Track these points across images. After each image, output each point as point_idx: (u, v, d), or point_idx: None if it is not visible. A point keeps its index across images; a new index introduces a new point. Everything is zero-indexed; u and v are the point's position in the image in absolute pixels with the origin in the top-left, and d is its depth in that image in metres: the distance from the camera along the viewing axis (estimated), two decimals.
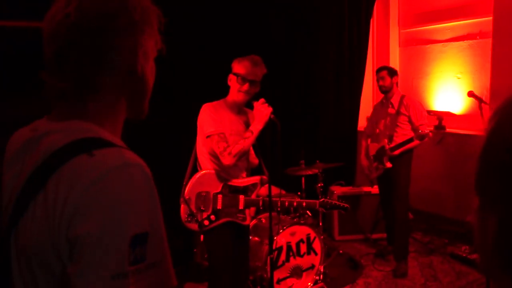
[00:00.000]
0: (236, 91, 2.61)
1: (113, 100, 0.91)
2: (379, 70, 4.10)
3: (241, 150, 2.51)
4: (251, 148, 2.84)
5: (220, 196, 2.64)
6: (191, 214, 2.57)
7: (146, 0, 0.92)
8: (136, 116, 0.97)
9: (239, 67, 2.61)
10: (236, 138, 2.60)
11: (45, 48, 0.87)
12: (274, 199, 2.83)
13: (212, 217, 2.63)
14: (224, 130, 2.57)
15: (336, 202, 3.08)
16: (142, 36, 0.89)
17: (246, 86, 2.58)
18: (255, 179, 2.77)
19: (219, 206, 2.64)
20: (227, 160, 2.50)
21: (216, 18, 4.41)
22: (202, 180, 2.63)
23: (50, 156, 0.80)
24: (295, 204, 2.95)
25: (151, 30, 0.92)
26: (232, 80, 2.63)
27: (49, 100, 0.89)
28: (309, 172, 3.98)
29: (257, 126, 2.55)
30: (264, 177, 2.77)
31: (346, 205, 3.08)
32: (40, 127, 0.89)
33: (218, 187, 2.65)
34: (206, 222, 2.61)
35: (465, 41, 5.02)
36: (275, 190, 2.86)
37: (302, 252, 3.56)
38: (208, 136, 2.56)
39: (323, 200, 3.03)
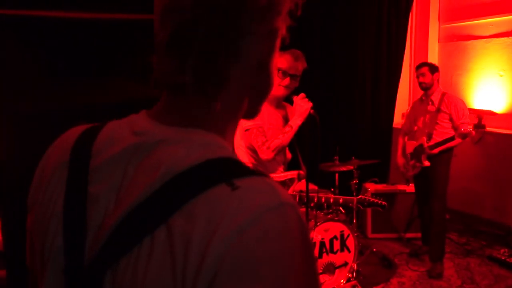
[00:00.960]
0: (277, 85, 2.59)
1: (239, 98, 0.71)
2: (419, 66, 3.99)
3: (280, 144, 2.50)
4: None
5: None
6: None
7: None
8: (247, 116, 0.77)
9: (280, 61, 2.59)
10: (275, 132, 2.59)
11: (159, 27, 0.67)
12: (311, 194, 2.81)
13: None
14: (263, 124, 2.56)
15: (373, 199, 3.04)
16: (279, 19, 0.69)
17: (287, 81, 2.57)
18: (293, 173, 2.75)
19: None
20: (266, 155, 2.49)
21: None
22: None
23: (176, 180, 0.60)
24: (331, 200, 2.93)
25: (285, 13, 0.71)
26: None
27: (159, 90, 0.70)
28: (343, 169, 3.93)
29: (296, 120, 2.53)
30: (302, 172, 2.75)
31: (383, 202, 3.05)
32: (147, 130, 0.68)
33: None
34: None
35: (509, 37, 4.84)
36: (310, 186, 2.84)
37: (335, 249, 3.52)
38: (246, 130, 2.56)
39: (361, 197, 3.00)
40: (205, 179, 0.60)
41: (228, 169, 0.62)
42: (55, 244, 0.66)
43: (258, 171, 0.63)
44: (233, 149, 0.73)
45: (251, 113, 0.78)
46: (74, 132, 0.75)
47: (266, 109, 2.64)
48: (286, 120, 2.71)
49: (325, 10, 4.97)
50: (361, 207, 3.08)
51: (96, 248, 0.62)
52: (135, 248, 0.58)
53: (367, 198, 3.02)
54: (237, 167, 0.63)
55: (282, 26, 0.71)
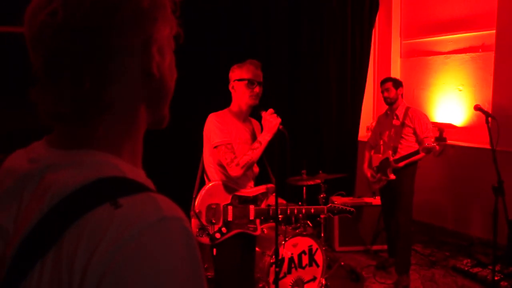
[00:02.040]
0: (247, 96, 2.55)
1: (129, 115, 0.70)
2: (384, 82, 4.07)
3: (249, 161, 2.47)
4: None
5: (230, 208, 2.59)
6: (202, 228, 2.51)
7: None
8: (156, 125, 0.77)
9: (242, 72, 2.56)
10: (244, 147, 2.55)
11: (31, 57, 0.66)
12: (283, 207, 2.79)
13: (224, 229, 2.57)
14: (231, 140, 2.53)
15: (342, 206, 3.07)
16: (155, 26, 0.68)
17: (257, 89, 2.55)
18: (262, 188, 2.72)
19: (230, 218, 2.58)
20: (235, 172, 2.45)
21: (216, 24, 4.39)
22: (212, 192, 2.58)
23: (62, 203, 0.61)
24: (304, 211, 2.92)
25: (164, 15, 0.70)
26: (237, 87, 2.58)
27: (45, 122, 0.68)
28: (311, 182, 3.94)
29: (265, 136, 2.50)
30: (270, 186, 2.72)
31: (352, 209, 3.09)
32: (41, 156, 0.68)
33: (228, 198, 2.60)
34: (217, 235, 2.55)
35: (467, 54, 5.03)
36: (279, 201, 2.82)
37: (304, 264, 3.50)
38: (215, 147, 2.51)
39: (330, 205, 3.02)
40: (89, 200, 0.60)
41: (114, 188, 0.61)
42: None
43: (146, 188, 0.63)
44: (135, 164, 0.71)
45: (159, 121, 0.77)
46: None
47: (234, 124, 2.60)
48: (253, 134, 2.68)
49: (289, 26, 5.02)
50: (332, 215, 3.09)
51: (1, 278, 0.62)
52: (29, 273, 0.59)
53: (337, 205, 3.05)
54: (123, 185, 0.62)
55: (164, 30, 0.70)
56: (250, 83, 2.54)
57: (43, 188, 0.63)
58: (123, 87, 0.67)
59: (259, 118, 2.64)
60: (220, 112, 2.63)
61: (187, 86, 3.97)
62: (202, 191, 2.57)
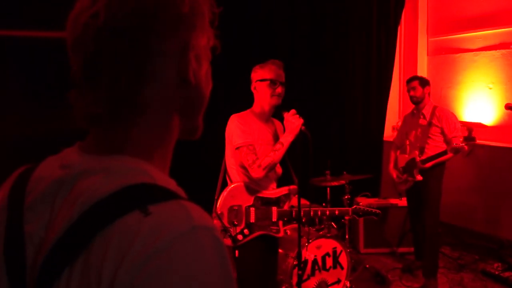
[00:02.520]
0: (269, 96, 2.54)
1: (163, 121, 0.70)
2: (410, 80, 3.97)
3: (271, 162, 2.44)
4: None
5: (252, 209, 2.57)
6: (224, 230, 2.50)
7: None
8: (189, 135, 0.77)
9: (264, 72, 2.55)
10: (266, 148, 2.53)
11: (71, 60, 0.68)
12: (306, 209, 2.77)
13: (246, 231, 2.56)
14: (253, 141, 2.51)
15: (368, 208, 3.03)
16: (193, 33, 0.69)
17: (279, 89, 2.53)
18: (284, 189, 2.69)
19: (252, 220, 2.57)
20: (257, 173, 2.43)
21: (239, 25, 4.37)
22: (234, 193, 2.57)
23: (92, 210, 0.60)
24: (328, 213, 2.88)
25: (203, 25, 0.70)
26: (259, 87, 2.56)
27: (81, 125, 0.69)
28: (335, 183, 3.88)
29: (287, 137, 2.47)
30: (293, 187, 2.70)
31: (378, 211, 3.05)
32: (73, 162, 0.68)
33: (250, 199, 2.58)
34: (239, 237, 2.54)
35: (497, 51, 4.87)
36: (303, 201, 2.79)
37: (328, 266, 3.45)
38: (237, 148, 2.50)
39: (355, 207, 2.99)
40: (119, 207, 0.59)
41: (144, 195, 0.60)
42: (1, 285, 0.66)
43: (177, 195, 0.62)
44: (164, 172, 0.71)
45: (192, 131, 0.77)
46: (15, 174, 0.75)
47: (256, 125, 2.58)
48: (276, 135, 2.66)
49: (316, 24, 4.97)
50: (357, 217, 3.05)
51: (31, 283, 0.62)
52: (58, 279, 0.59)
53: (362, 207, 3.01)
54: (153, 192, 0.61)
55: (201, 39, 0.71)
56: (272, 83, 2.52)
57: (75, 195, 0.63)
58: (158, 90, 0.67)
59: (281, 119, 2.62)
60: (242, 113, 2.62)
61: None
62: (224, 193, 2.56)
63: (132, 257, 0.55)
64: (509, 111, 3.67)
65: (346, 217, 3.50)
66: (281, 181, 2.82)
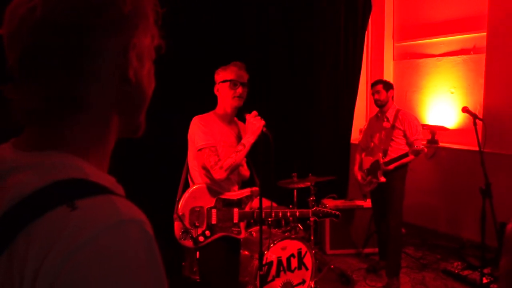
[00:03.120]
0: (231, 97, 2.55)
1: (101, 119, 0.69)
2: (374, 84, 4.06)
3: (233, 164, 2.46)
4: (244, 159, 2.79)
5: (214, 211, 2.58)
6: (185, 231, 2.50)
7: None
8: (130, 133, 0.77)
9: (226, 74, 2.57)
10: (229, 150, 2.54)
11: (7, 54, 0.66)
12: (268, 210, 2.78)
13: (207, 232, 2.56)
14: (216, 143, 2.52)
15: (328, 210, 3.08)
16: (135, 32, 0.68)
17: (240, 89, 2.54)
18: (246, 191, 2.71)
19: (213, 221, 2.57)
20: (219, 175, 2.44)
21: (207, 29, 4.38)
22: (196, 194, 2.57)
23: (18, 206, 0.59)
24: (288, 214, 2.91)
25: (145, 24, 0.70)
26: (221, 89, 2.58)
27: (16, 121, 0.68)
28: (301, 185, 3.92)
29: (249, 139, 2.49)
30: (255, 189, 2.71)
31: (337, 212, 3.10)
32: (5, 158, 0.67)
33: (212, 201, 2.59)
34: (201, 238, 2.54)
35: (459, 56, 5.03)
36: (266, 203, 2.81)
37: (293, 267, 3.48)
38: (199, 150, 2.50)
39: (316, 209, 3.03)
40: (46, 201, 0.58)
41: (72, 190, 0.60)
42: None
43: (107, 190, 0.62)
44: (102, 169, 0.70)
45: (133, 129, 0.76)
46: None
47: (219, 126, 2.59)
48: (239, 137, 2.67)
49: (283, 28, 5.02)
50: (317, 219, 3.09)
51: None
52: None
53: (322, 209, 3.06)
54: (82, 187, 0.61)
55: (144, 38, 0.71)
56: (233, 84, 2.54)
57: (4, 191, 0.62)
58: (97, 89, 0.67)
59: (244, 121, 2.63)
60: (205, 114, 2.62)
61: (173, 89, 3.96)
62: (186, 194, 2.56)
63: (55, 254, 0.54)
64: (468, 114, 3.80)
65: (312, 218, 3.55)
66: (244, 183, 2.84)
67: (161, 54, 0.77)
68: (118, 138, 0.75)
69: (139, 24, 0.69)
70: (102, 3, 0.65)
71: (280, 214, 2.87)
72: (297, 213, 2.96)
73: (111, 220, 0.57)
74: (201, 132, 2.51)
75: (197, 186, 2.58)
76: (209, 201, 2.58)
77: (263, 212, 2.61)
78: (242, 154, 2.47)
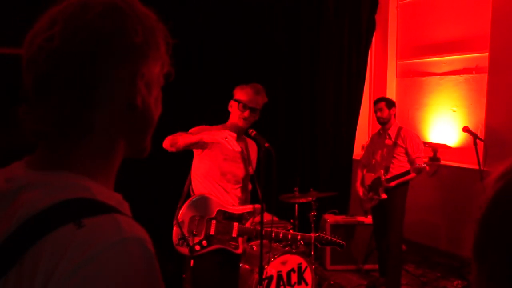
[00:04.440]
0: (237, 117, 2.60)
1: (108, 142, 0.74)
2: (377, 102, 4.11)
3: (174, 139, 2.45)
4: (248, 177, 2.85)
5: (214, 222, 2.61)
6: (182, 238, 2.53)
7: (150, 18, 0.75)
8: (136, 155, 0.81)
9: (241, 93, 2.61)
10: (231, 164, 2.59)
11: (24, 77, 0.71)
12: (268, 229, 2.80)
13: (204, 242, 2.59)
14: (200, 138, 2.49)
15: (331, 238, 3.07)
16: (145, 62, 0.73)
17: (247, 113, 2.58)
18: (249, 207, 2.74)
19: (212, 232, 2.60)
20: (165, 140, 2.47)
21: (216, 50, 4.46)
22: (197, 204, 2.61)
23: (27, 223, 0.63)
24: (289, 236, 2.93)
25: (156, 54, 0.75)
26: (233, 106, 2.63)
27: (29, 141, 0.73)
28: (303, 200, 3.95)
29: (206, 136, 2.46)
30: (257, 206, 2.74)
31: (342, 242, 3.07)
32: (17, 176, 0.70)
33: (213, 212, 2.62)
34: (197, 247, 2.57)
35: (461, 75, 5.09)
36: (267, 217, 2.83)
37: (292, 282, 3.50)
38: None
39: (319, 235, 3.03)
40: (54, 220, 0.62)
41: (79, 209, 0.63)
42: None
43: (113, 209, 0.66)
44: (108, 188, 0.74)
45: (138, 151, 0.81)
46: None
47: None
48: (244, 152, 2.72)
49: (290, 45, 5.09)
50: (319, 245, 3.10)
51: None
52: None
53: (325, 236, 3.05)
54: (89, 206, 0.64)
55: (154, 67, 0.75)
56: (243, 106, 2.58)
57: (14, 208, 0.65)
58: (105, 114, 0.71)
59: (248, 136, 2.68)
60: (214, 126, 2.68)
61: (185, 100, 4.03)
62: (188, 202, 2.60)
63: (62, 269, 0.58)
64: (468, 134, 3.84)
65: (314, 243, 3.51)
66: (251, 199, 2.87)
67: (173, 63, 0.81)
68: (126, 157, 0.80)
69: (150, 53, 0.74)
70: (115, 34, 0.69)
71: (281, 235, 2.89)
72: (299, 237, 2.97)
73: (115, 238, 0.61)
74: (200, 129, 2.58)
75: (200, 195, 2.62)
76: (210, 212, 2.62)
77: (263, 229, 2.64)
78: (189, 138, 2.46)
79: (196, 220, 2.58)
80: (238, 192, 2.71)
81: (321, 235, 3.03)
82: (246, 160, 2.71)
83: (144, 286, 0.62)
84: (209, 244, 2.60)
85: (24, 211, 0.64)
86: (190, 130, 2.59)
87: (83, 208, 0.64)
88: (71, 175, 0.69)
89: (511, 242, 0.50)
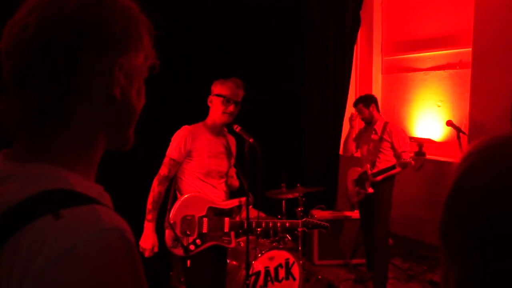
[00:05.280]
0: (220, 112, 2.60)
1: (87, 133, 0.72)
2: (355, 105, 4.16)
3: (151, 199, 2.59)
4: (233, 170, 2.85)
5: (205, 219, 2.61)
6: (176, 239, 2.52)
7: (132, 9, 0.74)
8: (118, 147, 0.80)
9: (222, 88, 2.61)
10: (215, 161, 2.59)
11: (2, 68, 0.70)
12: (257, 220, 2.82)
13: (198, 241, 2.59)
14: (179, 158, 2.60)
15: (317, 221, 3.13)
16: (126, 53, 0.72)
17: (231, 107, 2.58)
18: (236, 201, 2.75)
19: (204, 230, 2.60)
20: (153, 184, 2.58)
21: (198, 46, 4.45)
22: (187, 203, 2.60)
23: (5, 215, 0.62)
24: (278, 224, 2.95)
25: (138, 45, 0.74)
26: (214, 102, 2.63)
27: (7, 132, 0.72)
28: (290, 196, 3.96)
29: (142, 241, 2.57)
30: (243, 199, 2.75)
31: (326, 224, 3.14)
32: None
33: (203, 210, 2.62)
34: (192, 247, 2.56)
35: (445, 71, 5.14)
36: (253, 213, 2.84)
37: (280, 277, 3.51)
38: (165, 156, 2.61)
39: (305, 220, 3.07)
40: (32, 211, 0.61)
41: (58, 200, 0.62)
42: None
43: (92, 200, 0.65)
44: (89, 179, 0.73)
45: (120, 143, 0.80)
46: None
47: (207, 137, 2.64)
48: (226, 147, 2.72)
49: (273, 42, 5.09)
50: (306, 230, 3.15)
51: None
52: None
53: (311, 220, 3.12)
54: (68, 197, 0.63)
55: (135, 58, 0.74)
56: (226, 100, 2.58)
57: None
58: (84, 105, 0.70)
59: (233, 133, 2.68)
60: (194, 125, 2.67)
61: (166, 96, 4.00)
62: (178, 202, 2.60)
63: (40, 261, 0.57)
64: (452, 128, 3.89)
65: (299, 229, 3.59)
66: (236, 193, 2.87)
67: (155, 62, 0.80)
68: (108, 149, 0.79)
69: (130, 45, 0.73)
70: (92, 24, 0.68)
71: (270, 224, 2.91)
72: (287, 224, 3.00)
73: (94, 229, 0.60)
74: (175, 143, 2.60)
75: (189, 194, 2.61)
76: (200, 210, 2.62)
77: (253, 222, 2.65)
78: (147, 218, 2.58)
79: (188, 219, 2.57)
80: (223, 186, 2.72)
81: (307, 219, 3.09)
82: (228, 154, 2.72)
83: (124, 276, 0.61)
84: (203, 242, 2.60)
85: (1, 203, 0.63)
86: (173, 145, 2.62)
87: (61, 199, 0.63)
88: (50, 167, 0.68)
89: (473, 223, 0.51)
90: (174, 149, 2.59)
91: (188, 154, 2.60)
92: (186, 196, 2.61)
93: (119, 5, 0.72)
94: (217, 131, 2.68)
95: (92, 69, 0.69)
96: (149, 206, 2.55)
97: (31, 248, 0.58)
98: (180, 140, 2.58)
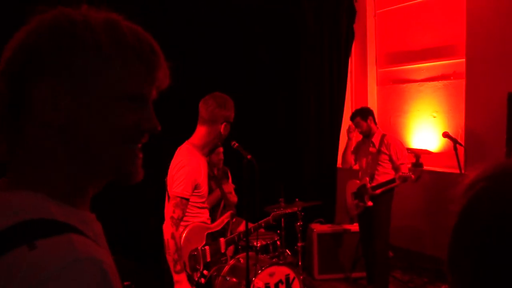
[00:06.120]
0: (224, 136, 2.50)
1: (53, 159, 0.71)
2: (352, 118, 4.16)
3: (174, 247, 2.35)
4: (231, 186, 2.84)
5: (207, 248, 2.60)
6: (189, 279, 2.44)
7: (112, 33, 0.71)
8: (120, 180, 0.77)
9: (230, 112, 2.49)
10: (205, 181, 2.54)
11: None
12: (244, 228, 2.82)
13: (205, 272, 2.56)
14: (190, 196, 2.43)
15: (285, 210, 3.36)
16: (82, 76, 0.69)
17: (228, 128, 2.53)
18: (226, 216, 2.76)
19: (208, 259, 2.59)
20: (167, 226, 2.35)
21: (193, 55, 4.46)
22: (189, 237, 2.53)
23: None
24: (252, 230, 3.00)
25: (97, 68, 0.70)
26: (225, 127, 2.49)
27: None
28: (288, 210, 3.94)
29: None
30: (230, 213, 2.77)
31: (294, 209, 3.41)
32: None
33: (203, 239, 2.60)
34: (202, 280, 2.53)
35: (440, 81, 5.17)
36: (242, 222, 2.88)
37: None
38: (174, 195, 2.40)
39: (274, 214, 3.21)
40: (7, 242, 0.60)
41: (34, 230, 0.62)
42: None
43: (70, 229, 0.64)
44: (77, 207, 0.72)
45: (123, 176, 0.77)
46: None
47: (198, 159, 2.50)
48: (210, 164, 2.71)
49: (268, 55, 5.12)
50: (275, 223, 3.26)
51: None
52: None
53: (278, 212, 3.30)
54: (45, 227, 0.63)
55: (98, 75, 0.71)
56: (230, 125, 2.52)
57: None
58: (36, 130, 0.70)
59: (230, 148, 2.66)
60: (186, 152, 2.51)
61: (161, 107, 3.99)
62: (182, 240, 2.48)
63: None
64: (448, 139, 3.90)
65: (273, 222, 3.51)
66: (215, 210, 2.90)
67: None
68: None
69: (93, 67, 0.70)
70: (46, 50, 0.68)
71: (252, 230, 2.94)
72: (263, 224, 3.10)
73: (67, 259, 0.59)
74: (186, 182, 2.40)
75: (187, 227, 2.53)
76: (200, 240, 2.59)
77: (242, 234, 2.66)
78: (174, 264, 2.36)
79: (194, 255, 2.54)
80: (206, 204, 2.68)
81: (276, 213, 3.25)
82: (211, 177, 2.70)
83: None
84: (209, 271, 2.58)
85: None
86: (176, 202, 2.41)
87: (38, 229, 0.62)
88: (31, 195, 0.67)
89: (481, 253, 0.51)
90: (185, 189, 2.39)
91: (196, 187, 2.47)
92: (186, 230, 2.52)
93: (89, 30, 0.70)
94: (206, 152, 2.61)
95: (37, 95, 0.69)
96: (174, 256, 2.31)
97: (3, 280, 0.57)
98: (189, 178, 2.40)
